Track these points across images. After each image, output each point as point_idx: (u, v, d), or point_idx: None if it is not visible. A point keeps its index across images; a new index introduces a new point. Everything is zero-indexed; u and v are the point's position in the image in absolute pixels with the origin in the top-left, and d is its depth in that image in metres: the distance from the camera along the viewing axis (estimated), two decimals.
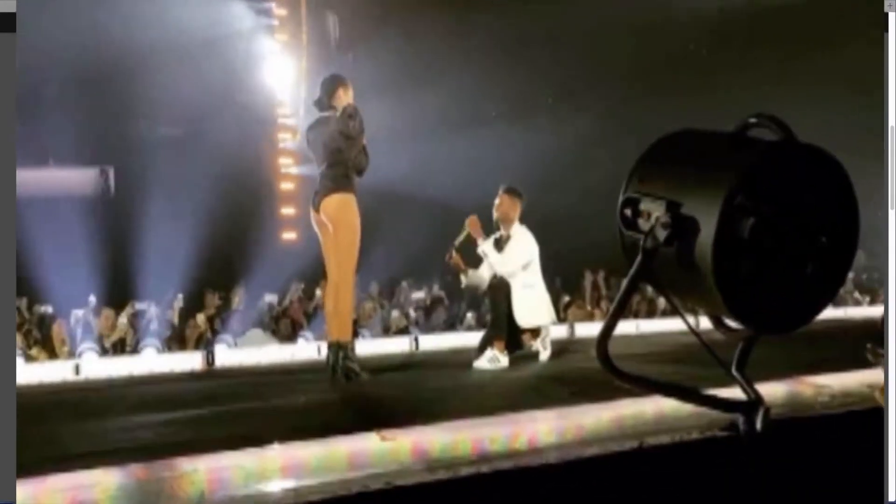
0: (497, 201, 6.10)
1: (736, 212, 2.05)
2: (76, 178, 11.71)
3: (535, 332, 6.02)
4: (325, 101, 5.51)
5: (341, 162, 5.34)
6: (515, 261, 5.94)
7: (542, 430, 2.44)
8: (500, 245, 6.06)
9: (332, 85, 5.50)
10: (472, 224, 6.02)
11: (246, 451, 2.40)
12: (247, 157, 11.87)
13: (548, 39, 12.50)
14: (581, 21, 12.36)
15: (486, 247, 5.99)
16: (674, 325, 8.32)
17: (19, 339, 7.71)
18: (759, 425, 2.24)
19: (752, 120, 2.25)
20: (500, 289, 5.93)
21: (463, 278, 6.19)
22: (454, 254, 6.04)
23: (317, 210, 5.40)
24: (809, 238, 2.16)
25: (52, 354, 7.64)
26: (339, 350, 5.25)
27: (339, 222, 5.30)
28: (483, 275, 6.11)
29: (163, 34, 10.27)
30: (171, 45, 10.37)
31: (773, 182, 2.10)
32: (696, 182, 2.14)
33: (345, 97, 5.43)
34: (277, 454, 2.41)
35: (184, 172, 10.68)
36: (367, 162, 5.45)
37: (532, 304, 5.93)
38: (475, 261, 6.17)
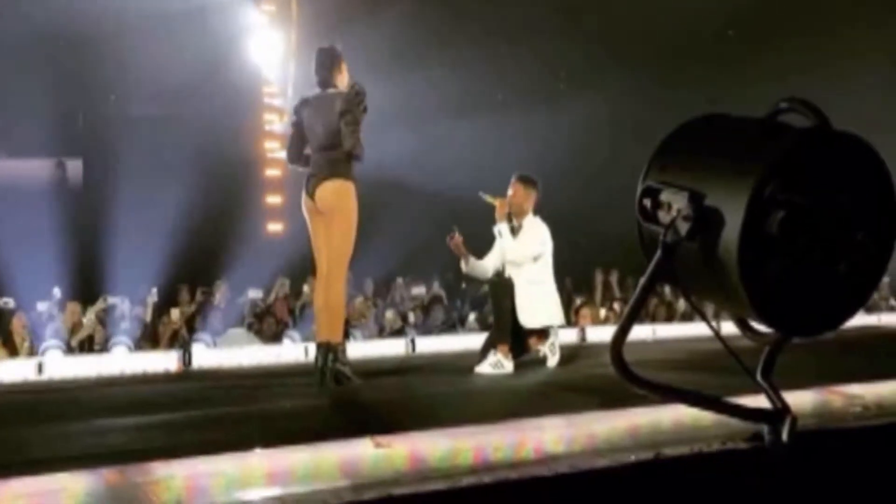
0: (510, 191, 6.12)
1: (765, 204, 2.06)
2: (29, 171, 11.64)
3: (543, 336, 6.04)
4: (328, 78, 5.52)
5: (341, 145, 5.35)
6: (527, 249, 5.98)
7: (549, 438, 2.45)
8: (511, 235, 6.10)
9: (333, 59, 5.53)
10: (500, 207, 6.05)
11: (227, 455, 2.41)
12: (229, 140, 11.86)
13: (559, 18, 12.50)
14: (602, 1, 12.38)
15: (502, 227, 6.02)
16: (693, 330, 8.38)
17: None
18: (785, 436, 2.25)
19: (784, 105, 2.25)
20: (503, 288, 5.95)
21: (463, 264, 6.21)
22: (456, 234, 6.06)
23: (311, 196, 5.40)
24: (844, 234, 2.17)
25: (13, 351, 7.65)
26: (329, 352, 5.25)
27: (336, 210, 5.30)
28: (487, 266, 6.15)
29: (134, 1, 10.22)
30: (143, 15, 10.32)
31: (805, 172, 2.11)
32: (721, 171, 2.15)
33: (346, 73, 5.51)
34: (262, 460, 2.43)
35: (159, 156, 10.69)
36: (361, 149, 5.37)
37: (538, 303, 5.96)
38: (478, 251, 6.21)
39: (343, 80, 5.48)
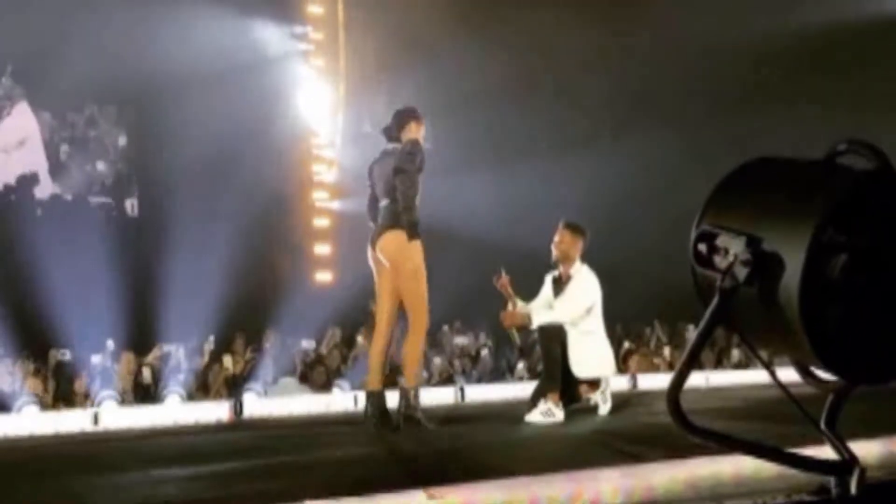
0: (557, 237, 6.03)
1: (825, 248, 2.01)
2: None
3: (594, 384, 5.93)
4: (393, 131, 5.64)
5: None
6: (578, 306, 5.85)
7: (606, 489, 2.39)
8: (559, 286, 6.01)
9: (405, 117, 5.64)
10: (502, 286, 5.95)
11: None
12: (279, 190, 12.02)
13: (607, 65, 12.54)
14: (643, 45, 12.40)
15: (537, 317, 5.85)
16: (748, 377, 8.19)
17: (34, 385, 7.84)
18: (854, 489, 2.17)
19: (843, 146, 2.21)
20: (553, 335, 5.84)
21: (510, 307, 6.11)
22: (503, 275, 5.98)
23: (373, 247, 5.50)
24: None
25: (69, 402, 7.74)
26: (403, 397, 5.38)
27: (399, 261, 5.39)
28: (536, 310, 6.05)
29: (188, 59, 10.47)
30: (197, 72, 10.58)
31: (867, 215, 2.06)
32: (780, 214, 2.10)
33: (416, 133, 5.58)
34: None
35: (211, 207, 10.85)
36: (411, 213, 5.39)
37: (591, 353, 5.84)
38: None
39: (408, 137, 5.55)
